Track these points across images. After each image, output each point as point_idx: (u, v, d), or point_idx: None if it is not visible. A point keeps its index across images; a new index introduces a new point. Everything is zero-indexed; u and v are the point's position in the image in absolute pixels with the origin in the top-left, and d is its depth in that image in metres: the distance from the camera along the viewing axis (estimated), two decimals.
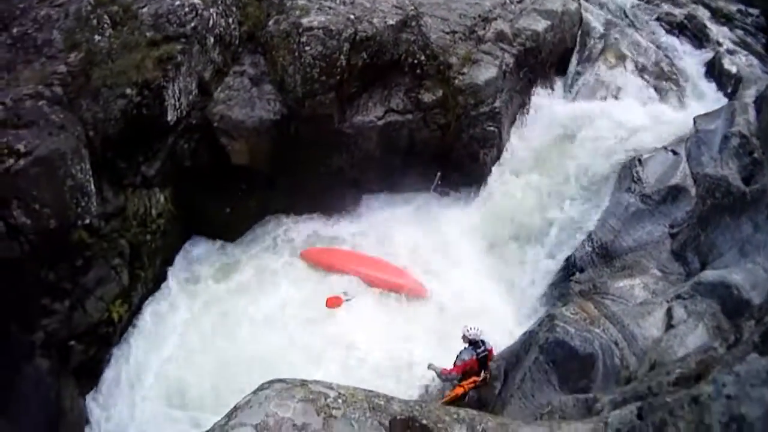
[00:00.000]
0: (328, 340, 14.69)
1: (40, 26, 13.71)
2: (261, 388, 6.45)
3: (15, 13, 13.91)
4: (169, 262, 16.15)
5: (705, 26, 20.39)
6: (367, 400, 6.30)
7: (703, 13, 21.33)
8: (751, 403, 5.18)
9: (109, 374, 14.02)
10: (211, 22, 15.41)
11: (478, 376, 11.67)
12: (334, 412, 6.01)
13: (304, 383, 6.40)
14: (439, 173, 17.26)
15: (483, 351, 11.67)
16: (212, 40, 15.58)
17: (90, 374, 13.63)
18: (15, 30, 13.62)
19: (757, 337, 5.65)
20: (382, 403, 6.35)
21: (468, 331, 11.77)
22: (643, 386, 7.29)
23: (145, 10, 14.65)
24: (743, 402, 5.25)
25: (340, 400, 6.19)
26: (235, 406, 6.29)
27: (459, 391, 11.59)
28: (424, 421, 6.11)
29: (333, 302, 15.53)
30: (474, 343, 11.69)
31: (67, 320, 12.64)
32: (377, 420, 6.07)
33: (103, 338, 13.70)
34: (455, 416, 6.37)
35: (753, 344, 5.62)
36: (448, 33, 17.48)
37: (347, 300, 15.60)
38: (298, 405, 6.00)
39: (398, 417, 6.10)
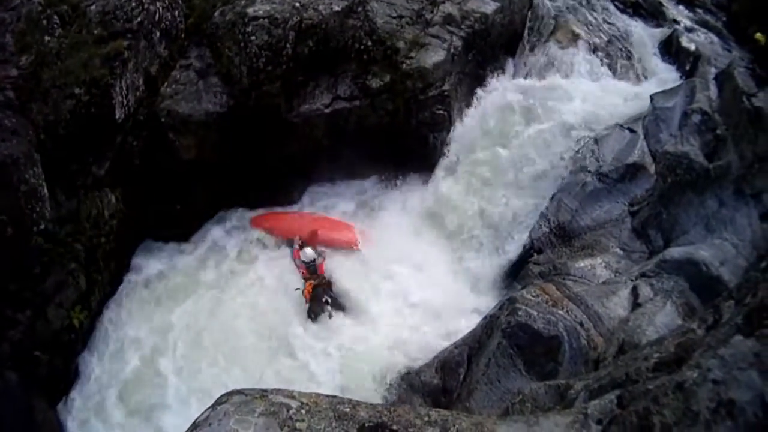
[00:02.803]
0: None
1: None
2: (219, 402, 6.09)
3: None
4: (124, 264, 16.09)
5: (661, 4, 20.28)
6: (331, 408, 5.96)
7: None
8: (739, 387, 4.93)
9: (77, 384, 13.96)
10: (157, 15, 15.40)
11: (314, 280, 15.37)
12: (297, 424, 5.67)
13: (263, 394, 6.04)
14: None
15: (312, 263, 15.77)
16: (158, 34, 15.58)
17: (58, 385, 13.62)
18: None
19: (741, 318, 5.42)
20: (348, 410, 6.01)
21: (303, 252, 15.91)
22: (620, 372, 7.05)
23: (93, 7, 14.61)
24: (731, 386, 5.00)
25: (303, 411, 5.84)
26: (194, 423, 5.93)
27: (308, 287, 15.27)
28: (395, 427, 5.80)
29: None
30: (307, 263, 15.75)
31: (30, 330, 12.62)
32: (344, 430, 5.76)
33: (67, 346, 13.70)
34: (426, 418, 6.06)
35: (736, 326, 5.38)
36: (394, 17, 17.28)
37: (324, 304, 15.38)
38: (259, 420, 5.65)
39: (366, 425, 5.79)
